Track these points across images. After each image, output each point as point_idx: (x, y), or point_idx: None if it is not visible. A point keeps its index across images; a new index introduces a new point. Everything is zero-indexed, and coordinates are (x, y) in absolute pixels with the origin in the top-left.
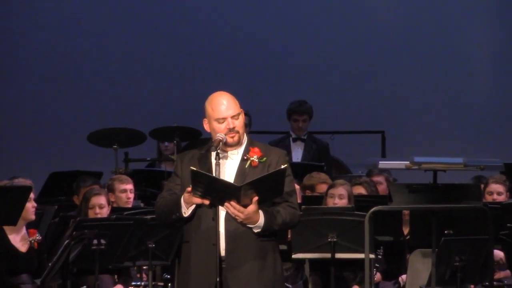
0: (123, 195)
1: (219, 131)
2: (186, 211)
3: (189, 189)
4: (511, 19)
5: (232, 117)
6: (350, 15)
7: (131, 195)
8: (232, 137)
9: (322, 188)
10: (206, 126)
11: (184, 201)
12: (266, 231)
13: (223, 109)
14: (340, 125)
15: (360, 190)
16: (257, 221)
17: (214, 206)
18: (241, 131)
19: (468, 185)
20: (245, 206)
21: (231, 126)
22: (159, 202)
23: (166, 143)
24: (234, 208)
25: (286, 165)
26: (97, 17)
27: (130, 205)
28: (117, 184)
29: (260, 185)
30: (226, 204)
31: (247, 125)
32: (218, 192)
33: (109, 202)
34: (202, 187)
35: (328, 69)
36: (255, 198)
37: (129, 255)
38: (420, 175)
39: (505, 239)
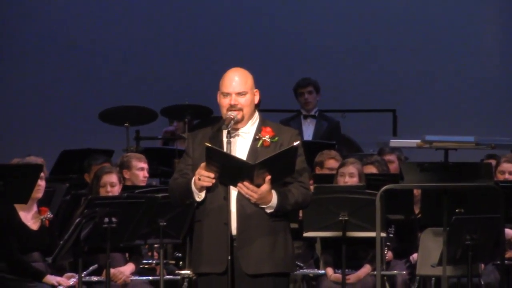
0: (141, 173)
1: (223, 105)
2: (200, 195)
3: (200, 170)
4: None
5: (237, 93)
6: None
7: (147, 174)
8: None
9: (330, 163)
10: (218, 99)
11: (194, 186)
12: (279, 211)
13: (229, 84)
14: (351, 104)
15: (371, 169)
16: (270, 201)
17: (226, 185)
18: (245, 109)
19: (479, 163)
20: (258, 186)
21: (233, 102)
22: (172, 185)
23: (175, 123)
24: (248, 188)
25: (298, 142)
26: None
27: (145, 183)
28: (135, 162)
29: (273, 164)
30: (239, 184)
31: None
32: (232, 170)
33: (120, 180)
34: (216, 164)
35: (339, 47)
36: (268, 178)
37: (140, 233)
38: (432, 153)
39: None
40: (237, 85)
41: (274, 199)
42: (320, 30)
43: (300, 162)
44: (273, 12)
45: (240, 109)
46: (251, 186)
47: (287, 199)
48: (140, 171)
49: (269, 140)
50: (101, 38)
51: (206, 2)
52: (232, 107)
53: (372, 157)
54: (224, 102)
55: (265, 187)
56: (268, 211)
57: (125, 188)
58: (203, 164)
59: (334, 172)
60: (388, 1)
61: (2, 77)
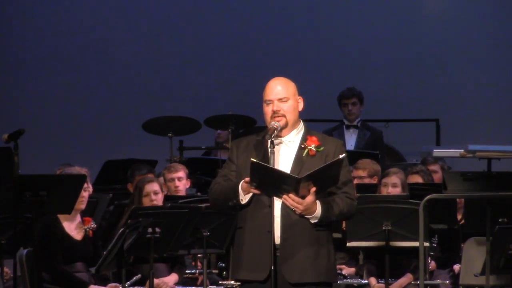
0: (171, 184)
1: (266, 113)
2: (244, 198)
3: (248, 179)
4: None
5: (279, 100)
6: (404, 3)
7: (179, 183)
8: (278, 121)
9: (357, 173)
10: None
11: (241, 189)
12: (323, 222)
13: (270, 92)
14: (394, 113)
15: (416, 179)
16: (315, 211)
17: (270, 196)
18: (288, 115)
19: None
20: (303, 197)
21: (275, 108)
22: (214, 188)
23: (218, 131)
24: (293, 200)
25: (343, 155)
26: (152, 6)
27: (179, 193)
28: (166, 174)
29: (319, 176)
30: (284, 196)
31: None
32: (277, 183)
33: (162, 189)
34: (261, 178)
35: (382, 57)
36: (313, 189)
37: (184, 243)
38: (475, 163)
39: None
40: (279, 92)
41: (319, 209)
42: (363, 40)
43: (345, 173)
44: (318, 22)
45: (283, 115)
46: (296, 198)
47: (332, 210)
48: (170, 182)
49: (314, 149)
50: (144, 49)
51: (250, 14)
52: (274, 114)
53: (417, 166)
54: (267, 109)
55: (310, 198)
56: (313, 221)
57: (168, 199)
58: (246, 179)
59: (361, 181)
60: (432, 11)
61: (47, 87)
